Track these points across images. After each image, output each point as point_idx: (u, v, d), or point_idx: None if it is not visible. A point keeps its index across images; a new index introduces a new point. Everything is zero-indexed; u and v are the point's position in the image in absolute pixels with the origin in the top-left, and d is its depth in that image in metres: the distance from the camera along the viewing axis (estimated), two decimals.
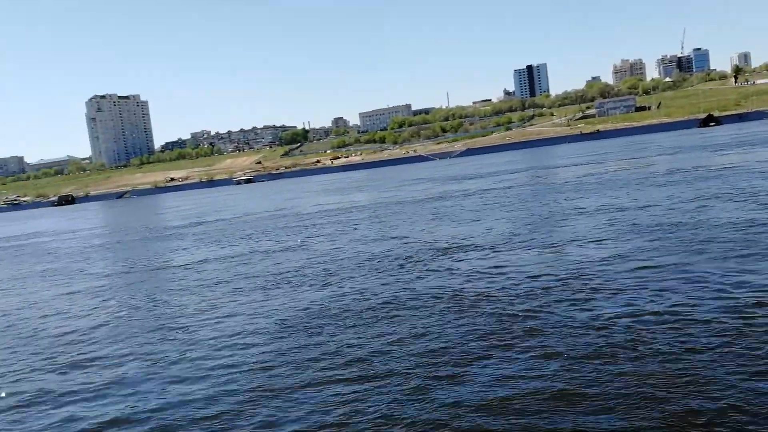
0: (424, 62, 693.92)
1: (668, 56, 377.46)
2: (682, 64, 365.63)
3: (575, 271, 19.77)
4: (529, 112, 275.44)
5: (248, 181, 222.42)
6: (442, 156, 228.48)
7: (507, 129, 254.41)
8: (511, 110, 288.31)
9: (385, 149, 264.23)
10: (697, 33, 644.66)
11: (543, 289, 18.07)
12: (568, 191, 46.42)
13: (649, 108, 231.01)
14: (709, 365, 11.31)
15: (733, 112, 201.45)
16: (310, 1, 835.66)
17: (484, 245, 26.78)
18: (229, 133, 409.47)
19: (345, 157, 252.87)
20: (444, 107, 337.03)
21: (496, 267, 21.91)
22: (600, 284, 17.77)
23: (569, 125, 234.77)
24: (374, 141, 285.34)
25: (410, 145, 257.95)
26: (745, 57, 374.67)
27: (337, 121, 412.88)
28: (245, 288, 23.81)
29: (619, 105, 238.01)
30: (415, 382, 12.18)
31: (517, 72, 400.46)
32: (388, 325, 16.31)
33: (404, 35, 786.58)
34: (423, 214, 43.31)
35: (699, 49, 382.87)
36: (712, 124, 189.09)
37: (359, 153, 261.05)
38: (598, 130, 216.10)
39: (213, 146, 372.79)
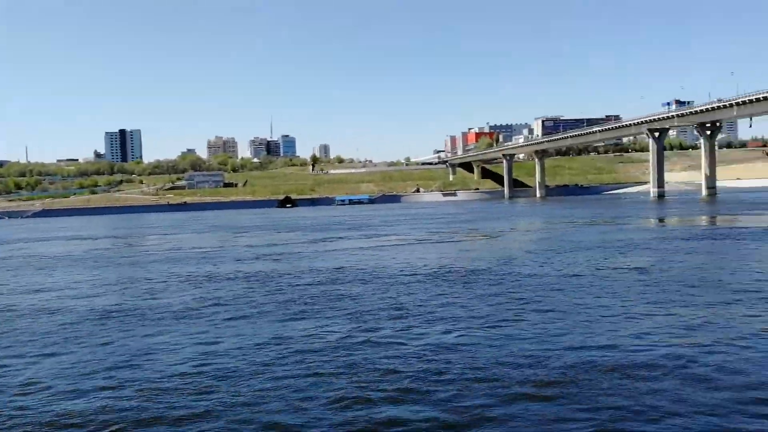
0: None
1: (260, 138, 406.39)
2: (271, 148, 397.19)
3: None
4: (118, 176, 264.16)
5: None
6: (14, 215, 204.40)
7: (92, 192, 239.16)
8: (98, 173, 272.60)
9: None
10: (292, 122, 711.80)
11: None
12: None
13: (236, 185, 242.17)
14: None
15: (308, 196, 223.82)
16: None
17: None
18: None
19: None
20: (21, 162, 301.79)
21: None
22: None
23: (158, 194, 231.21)
24: None
25: None
26: (326, 148, 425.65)
27: None
28: None
29: (208, 179, 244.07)
30: None
31: (109, 135, 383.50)
32: None
33: None
34: None
35: (287, 136, 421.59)
36: (289, 205, 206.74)
37: None
38: (185, 202, 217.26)
39: None
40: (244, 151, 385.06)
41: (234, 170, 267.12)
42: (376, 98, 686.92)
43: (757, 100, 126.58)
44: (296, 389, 13.90)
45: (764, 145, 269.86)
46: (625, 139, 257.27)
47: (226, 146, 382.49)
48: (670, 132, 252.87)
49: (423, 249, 46.27)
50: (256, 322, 21.42)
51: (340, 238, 61.02)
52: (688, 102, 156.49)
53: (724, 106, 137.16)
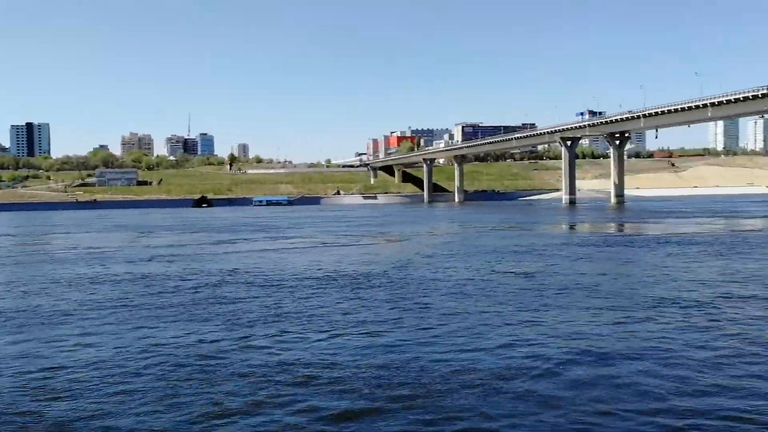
0: None
1: (177, 136, 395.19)
2: (189, 146, 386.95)
3: None
4: (24, 172, 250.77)
5: None
6: None
7: None
8: (2, 167, 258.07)
9: None
10: (211, 120, 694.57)
11: None
12: None
13: (151, 183, 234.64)
14: None
15: (225, 196, 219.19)
16: None
17: None
18: None
19: None
20: None
21: None
22: None
23: (66, 191, 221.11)
24: None
25: None
26: (245, 148, 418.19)
27: None
28: None
29: (121, 176, 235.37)
30: None
31: (15, 128, 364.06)
32: None
33: None
34: None
35: (206, 134, 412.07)
36: (205, 205, 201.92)
37: None
38: (95, 200, 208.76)
39: None
40: (160, 149, 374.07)
41: (149, 168, 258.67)
42: (298, 99, 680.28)
43: (662, 112, 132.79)
44: (144, 402, 13.15)
45: (670, 156, 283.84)
46: (540, 147, 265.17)
47: (142, 143, 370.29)
48: (584, 141, 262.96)
49: (324, 252, 45.79)
50: (124, 328, 20.40)
51: (245, 239, 59.78)
52: (601, 113, 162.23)
53: (632, 118, 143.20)
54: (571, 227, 74.00)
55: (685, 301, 23.07)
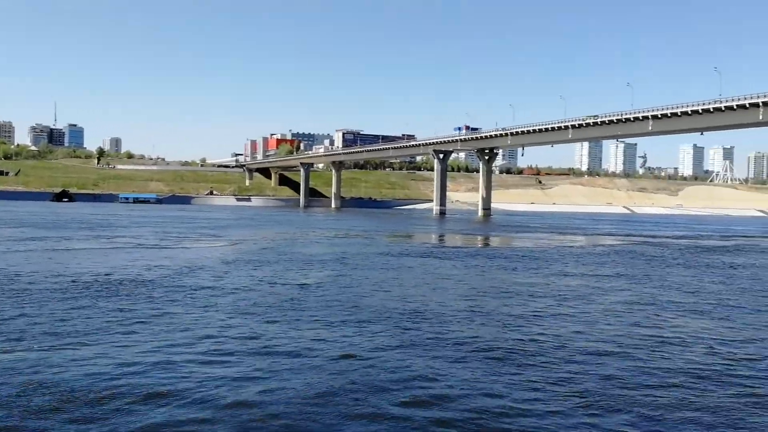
0: None
1: (42, 125, 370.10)
2: (55, 136, 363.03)
3: None
4: None
5: None
6: None
7: None
8: None
9: None
10: (81, 111, 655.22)
11: None
12: None
13: (7, 173, 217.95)
14: None
15: (89, 191, 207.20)
16: None
17: None
18: None
19: None
20: None
21: None
22: None
23: None
24: None
25: None
26: (117, 142, 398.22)
27: None
28: None
29: None
30: None
31: None
32: None
33: None
34: None
35: (75, 125, 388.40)
36: (66, 199, 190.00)
37: None
38: None
39: None
40: (23, 138, 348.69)
41: (6, 157, 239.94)
42: (176, 95, 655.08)
43: (528, 131, 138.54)
44: None
45: (538, 174, 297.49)
46: (419, 158, 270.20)
47: (1, 130, 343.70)
48: (461, 155, 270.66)
49: (122, 254, 42.72)
50: None
51: (63, 238, 55.54)
52: (477, 129, 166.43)
53: (500, 135, 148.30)
54: (414, 237, 74.59)
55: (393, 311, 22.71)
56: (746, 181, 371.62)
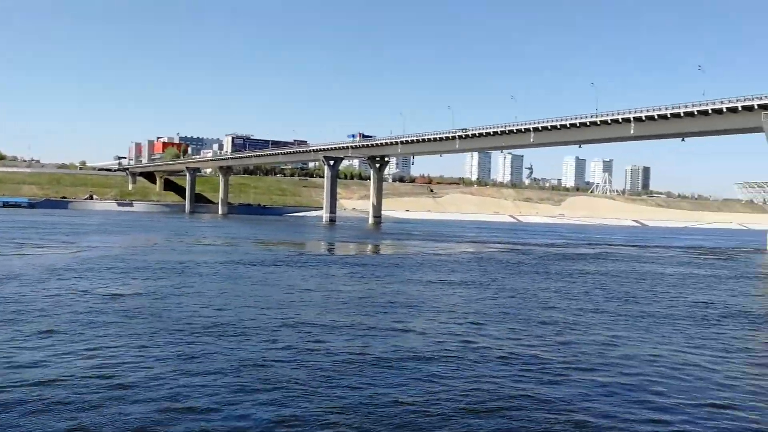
0: None
1: None
2: None
3: None
4: None
5: None
6: None
7: None
8: None
9: None
10: None
11: None
12: None
13: None
14: None
15: None
16: None
17: None
18: None
19: None
20: None
21: None
22: None
23: None
24: None
25: None
26: None
27: None
28: None
29: None
30: None
31: None
32: None
33: None
34: None
35: None
36: None
37: None
38: None
39: None
40: None
41: None
42: (54, 93, 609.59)
43: (417, 140, 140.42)
44: None
45: (430, 182, 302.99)
46: (312, 165, 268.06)
47: None
48: (355, 162, 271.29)
49: None
50: None
51: None
52: (371, 136, 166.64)
53: (390, 143, 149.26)
54: (294, 246, 72.97)
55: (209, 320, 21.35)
56: (623, 192, 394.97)
